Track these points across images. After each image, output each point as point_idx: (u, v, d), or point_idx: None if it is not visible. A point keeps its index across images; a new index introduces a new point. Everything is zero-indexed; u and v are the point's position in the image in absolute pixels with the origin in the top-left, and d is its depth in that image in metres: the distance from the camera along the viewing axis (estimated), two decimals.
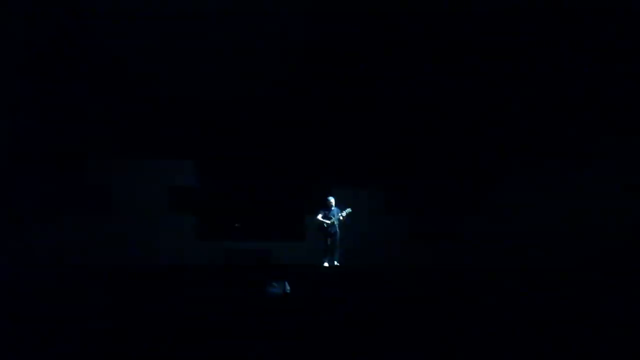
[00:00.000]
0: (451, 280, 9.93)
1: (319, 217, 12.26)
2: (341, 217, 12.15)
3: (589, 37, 12.25)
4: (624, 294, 7.85)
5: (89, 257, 12.34)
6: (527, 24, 12.54)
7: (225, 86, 13.33)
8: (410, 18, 12.75)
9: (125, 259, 12.21)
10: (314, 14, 12.65)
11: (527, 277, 9.85)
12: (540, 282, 9.33)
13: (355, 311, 7.08)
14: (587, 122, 12.48)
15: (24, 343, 5.34)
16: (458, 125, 13.74)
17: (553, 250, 12.11)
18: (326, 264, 12.04)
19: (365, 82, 13.66)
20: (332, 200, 12.31)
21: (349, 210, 12.18)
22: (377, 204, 14.08)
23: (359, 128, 13.83)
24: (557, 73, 12.70)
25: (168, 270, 11.19)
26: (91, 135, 13.37)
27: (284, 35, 12.99)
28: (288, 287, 8.25)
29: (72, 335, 5.64)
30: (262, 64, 13.29)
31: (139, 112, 13.49)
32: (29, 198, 12.72)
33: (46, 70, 12.73)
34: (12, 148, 12.59)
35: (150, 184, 13.67)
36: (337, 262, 12.08)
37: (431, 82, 13.42)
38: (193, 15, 12.60)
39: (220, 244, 13.54)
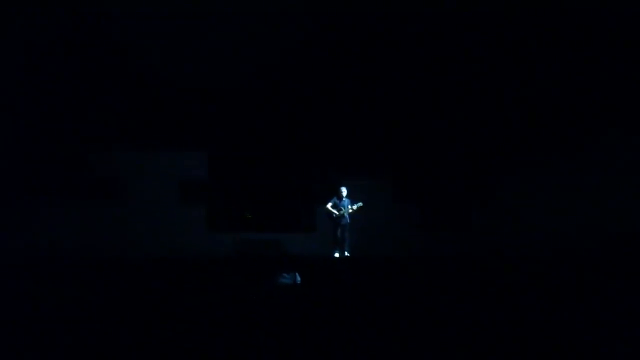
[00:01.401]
0: (460, 270, 9.87)
1: (329, 206, 12.25)
2: (351, 210, 12.13)
3: (589, 37, 12.09)
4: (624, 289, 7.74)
5: (99, 249, 12.41)
6: (529, 24, 12.40)
7: (236, 78, 13.30)
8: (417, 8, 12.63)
9: (136, 252, 12.27)
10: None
11: (534, 267, 9.76)
12: (546, 274, 9.24)
13: (365, 302, 7.05)
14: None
15: (32, 326, 5.38)
16: (464, 117, 13.65)
17: (559, 240, 12.06)
18: (337, 255, 12.03)
19: (373, 71, 13.56)
20: (344, 190, 12.28)
21: (360, 204, 12.14)
22: (386, 194, 14.07)
23: (368, 118, 13.77)
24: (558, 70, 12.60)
25: (179, 262, 11.21)
26: (102, 128, 13.41)
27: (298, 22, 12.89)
28: (299, 278, 8.25)
29: (81, 326, 5.67)
30: (273, 54, 13.23)
31: (150, 104, 13.50)
32: (41, 191, 12.80)
33: (55, 62, 12.75)
34: (22, 141, 12.66)
35: (161, 177, 13.71)
36: (348, 253, 12.07)
37: (439, 71, 13.31)
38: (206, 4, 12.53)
39: (231, 235, 13.56)
